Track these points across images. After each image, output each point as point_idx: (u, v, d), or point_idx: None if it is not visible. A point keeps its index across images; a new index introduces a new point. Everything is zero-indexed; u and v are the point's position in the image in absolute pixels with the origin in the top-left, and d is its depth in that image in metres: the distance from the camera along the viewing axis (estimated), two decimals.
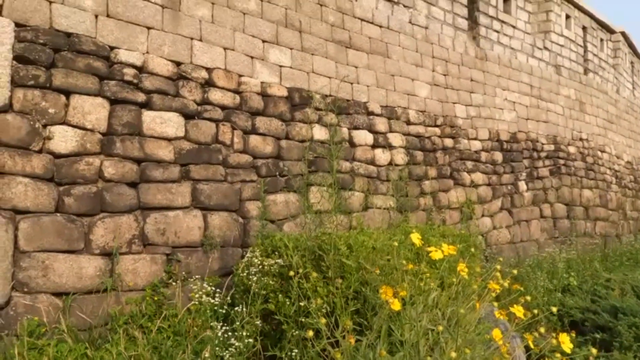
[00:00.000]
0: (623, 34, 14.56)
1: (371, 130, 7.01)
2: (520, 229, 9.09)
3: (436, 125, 8.10)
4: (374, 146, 6.99)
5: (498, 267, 2.34)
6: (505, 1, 10.24)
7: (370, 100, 7.15)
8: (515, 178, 9.35)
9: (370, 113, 7.09)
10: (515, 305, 2.08)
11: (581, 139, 11.60)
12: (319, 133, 6.25)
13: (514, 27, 10.28)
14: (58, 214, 3.96)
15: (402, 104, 7.63)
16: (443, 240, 4.38)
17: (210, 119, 5.13)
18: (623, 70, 14.98)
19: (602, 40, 13.60)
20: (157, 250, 4.48)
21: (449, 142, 8.21)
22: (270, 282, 3.44)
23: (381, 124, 7.16)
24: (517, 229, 8.97)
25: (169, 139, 4.75)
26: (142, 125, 4.59)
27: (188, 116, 4.97)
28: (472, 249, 4.13)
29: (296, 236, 3.81)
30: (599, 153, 12.26)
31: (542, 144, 10.32)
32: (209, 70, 5.27)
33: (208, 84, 5.23)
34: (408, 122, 7.64)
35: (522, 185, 9.41)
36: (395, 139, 7.32)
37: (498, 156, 9.12)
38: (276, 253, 3.65)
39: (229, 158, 5.23)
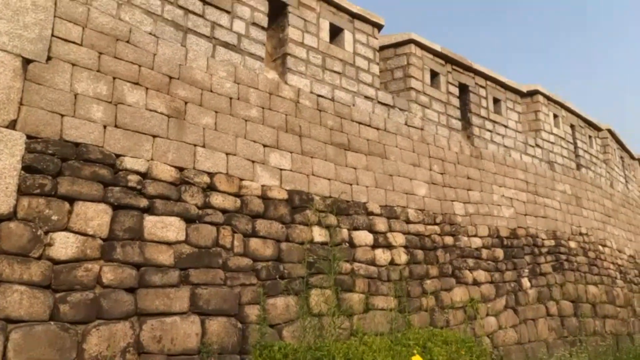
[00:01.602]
0: (609, 130, 15.10)
1: (371, 230, 7.03)
2: (527, 328, 8.79)
3: (436, 224, 8.14)
4: (374, 246, 6.97)
5: None
6: (495, 102, 10.75)
7: (369, 200, 7.26)
8: (518, 275, 9.22)
9: (370, 213, 7.16)
10: None
11: (581, 234, 11.59)
12: (319, 235, 6.26)
13: (505, 126, 10.69)
14: (52, 323, 3.86)
15: (401, 203, 7.73)
16: (446, 347, 4.23)
17: (211, 223, 5.18)
18: (614, 165, 15.33)
19: (590, 137, 14.08)
20: (153, 359, 4.31)
21: (449, 239, 8.20)
22: None
23: (381, 224, 7.20)
24: (523, 329, 8.67)
25: (169, 243, 4.77)
26: (144, 230, 4.62)
27: (189, 220, 5.03)
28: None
29: (295, 347, 3.68)
30: (600, 247, 12.19)
31: (543, 239, 10.30)
32: (211, 175, 5.41)
33: (210, 188, 5.35)
34: (408, 221, 7.69)
35: (526, 282, 9.25)
36: (396, 239, 7.32)
37: (499, 253, 9.06)
38: None
39: (229, 261, 5.20)
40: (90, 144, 4.53)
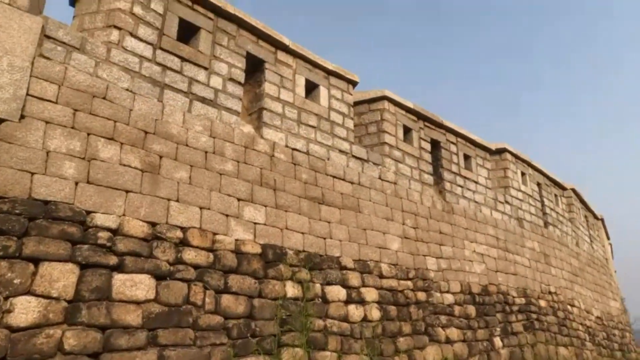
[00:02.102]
0: (574, 190, 15.63)
1: (344, 285, 6.97)
2: None
3: (409, 279, 8.13)
4: (347, 302, 6.89)
5: None
6: (466, 159, 11.05)
7: (343, 254, 7.23)
8: (490, 334, 9.20)
9: (343, 268, 7.11)
10: None
11: (550, 292, 11.73)
12: (292, 290, 6.17)
13: (476, 182, 10.95)
14: None
15: (374, 257, 7.72)
16: None
17: (182, 279, 5.05)
18: (579, 224, 15.77)
19: (556, 195, 14.52)
20: None
21: (421, 295, 8.18)
22: None
23: (354, 279, 7.15)
24: None
25: (138, 303, 4.60)
26: (112, 290, 4.46)
27: (160, 277, 4.89)
28: None
29: None
30: (569, 307, 12.32)
31: (513, 297, 10.37)
32: (184, 229, 5.32)
33: (182, 243, 5.25)
34: (381, 276, 7.66)
35: (498, 342, 9.22)
36: (369, 294, 7.26)
37: (471, 310, 9.06)
38: None
39: (199, 320, 5.04)
40: (60, 202, 4.42)
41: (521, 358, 9.58)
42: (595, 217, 18.72)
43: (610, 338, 14.22)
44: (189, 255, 5.22)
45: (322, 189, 7.43)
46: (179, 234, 5.23)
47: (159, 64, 5.89)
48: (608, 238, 21.17)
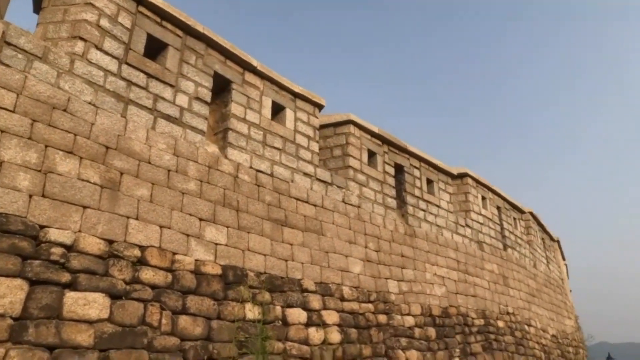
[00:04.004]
0: (531, 213, 16.18)
1: (305, 307, 6.94)
2: None
3: (370, 301, 8.16)
4: (308, 324, 6.85)
5: None
6: (429, 183, 11.29)
7: (304, 277, 7.22)
8: (450, 355, 9.29)
9: (304, 290, 7.09)
10: None
11: (508, 313, 11.98)
12: (252, 312, 6.10)
13: (438, 206, 11.18)
14: None
15: (336, 280, 7.73)
16: None
17: (138, 299, 4.93)
18: (537, 246, 16.27)
19: (515, 219, 14.97)
20: None
21: (382, 318, 8.22)
22: None
23: (315, 302, 7.14)
24: None
25: (90, 322, 4.46)
26: (63, 308, 4.32)
27: (115, 296, 4.76)
28: None
29: None
30: (526, 327, 12.61)
31: (473, 318, 10.53)
32: (142, 248, 5.23)
33: (140, 262, 5.15)
34: (342, 299, 7.66)
35: None
36: (330, 317, 7.24)
37: (431, 332, 9.14)
38: None
39: (154, 341, 4.92)
40: (12, 214, 4.29)
41: None
42: (552, 239, 19.37)
43: (564, 355, 14.62)
44: (147, 274, 5.11)
45: (286, 211, 7.44)
46: (137, 252, 5.13)
47: (124, 79, 5.85)
48: (564, 258, 21.90)
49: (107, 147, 5.36)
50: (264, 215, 7.02)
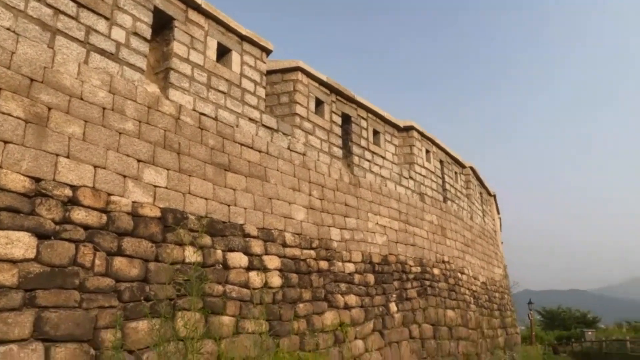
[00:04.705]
0: (472, 168, 16.78)
1: (247, 252, 6.98)
2: (392, 351, 9.24)
3: (312, 248, 8.31)
4: (249, 269, 6.92)
5: None
6: (375, 135, 11.39)
7: (247, 222, 7.22)
8: (387, 300, 9.71)
9: (246, 235, 7.11)
10: None
11: (444, 262, 12.58)
12: (192, 255, 6.07)
13: (383, 157, 11.34)
14: None
15: (279, 226, 7.78)
16: None
17: (69, 240, 4.78)
18: (474, 200, 16.99)
19: (456, 173, 15.48)
20: None
21: (324, 264, 8.41)
22: None
23: (257, 247, 7.18)
24: (388, 352, 9.11)
25: (14, 262, 4.29)
26: None
27: (43, 236, 4.59)
28: None
29: None
30: (459, 275, 13.32)
31: (410, 266, 10.98)
32: (74, 188, 5.01)
33: (72, 202, 4.95)
34: (284, 245, 7.75)
35: (393, 307, 9.76)
36: (271, 262, 7.34)
37: (370, 278, 9.48)
38: None
39: (87, 282, 4.82)
40: None
41: (413, 321, 10.24)
42: (489, 193, 20.30)
43: (491, 300, 15.70)
44: (79, 215, 4.94)
45: (229, 156, 7.33)
46: (67, 192, 4.92)
47: (50, 6, 5.39)
48: (498, 212, 23.09)
49: (32, 79, 5.00)
50: (206, 159, 6.88)
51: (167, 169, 6.25)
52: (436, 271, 11.94)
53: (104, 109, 5.66)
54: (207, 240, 6.45)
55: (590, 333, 35.63)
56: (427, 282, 11.30)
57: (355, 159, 10.39)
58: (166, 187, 6.16)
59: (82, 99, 5.45)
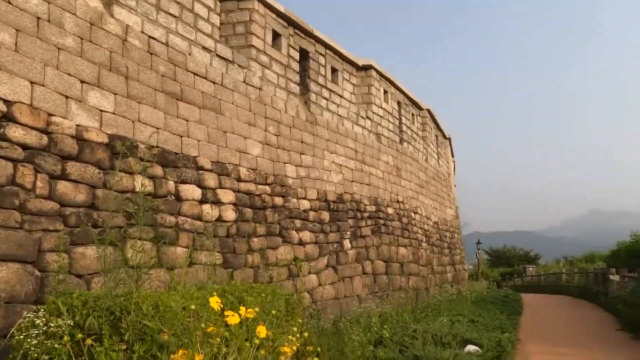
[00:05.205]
0: (429, 111, 16.93)
1: (200, 185, 6.80)
2: (344, 285, 9.48)
3: (267, 184, 8.21)
4: (202, 202, 6.76)
5: (295, 329, 2.32)
6: (333, 72, 11.17)
7: (200, 155, 6.99)
8: (341, 237, 9.84)
9: (200, 168, 6.90)
10: None
11: (398, 201, 12.83)
12: (142, 185, 5.80)
13: (341, 96, 11.19)
14: None
15: (233, 161, 7.60)
16: (261, 297, 4.30)
17: (6, 158, 4.44)
18: (430, 142, 17.26)
19: (413, 114, 15.57)
20: None
21: (279, 200, 8.36)
22: (56, 345, 2.93)
23: (211, 180, 7.01)
24: (341, 286, 9.33)
25: None
26: None
27: None
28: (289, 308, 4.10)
29: (97, 294, 3.36)
30: (412, 214, 13.66)
31: (365, 204, 11.13)
32: (9, 103, 4.62)
33: (7, 118, 4.57)
34: (239, 179, 7.61)
35: (347, 244, 9.92)
36: (225, 196, 7.20)
37: (325, 215, 9.54)
38: (69, 312, 3.16)
39: (28, 203, 4.55)
40: None
41: (366, 257, 10.49)
42: (444, 136, 20.69)
43: (442, 239, 16.36)
44: (15, 132, 4.58)
45: (182, 85, 6.98)
46: (1, 106, 4.53)
47: None
48: (453, 156, 23.69)
49: None
50: (157, 87, 6.53)
51: (115, 94, 5.88)
52: (390, 210, 12.18)
53: (38, 18, 5.13)
54: (158, 170, 6.22)
55: (531, 269, 38.05)
56: (381, 221, 11.52)
57: (313, 96, 10.20)
58: (114, 113, 5.82)
59: (10, 3, 4.87)
